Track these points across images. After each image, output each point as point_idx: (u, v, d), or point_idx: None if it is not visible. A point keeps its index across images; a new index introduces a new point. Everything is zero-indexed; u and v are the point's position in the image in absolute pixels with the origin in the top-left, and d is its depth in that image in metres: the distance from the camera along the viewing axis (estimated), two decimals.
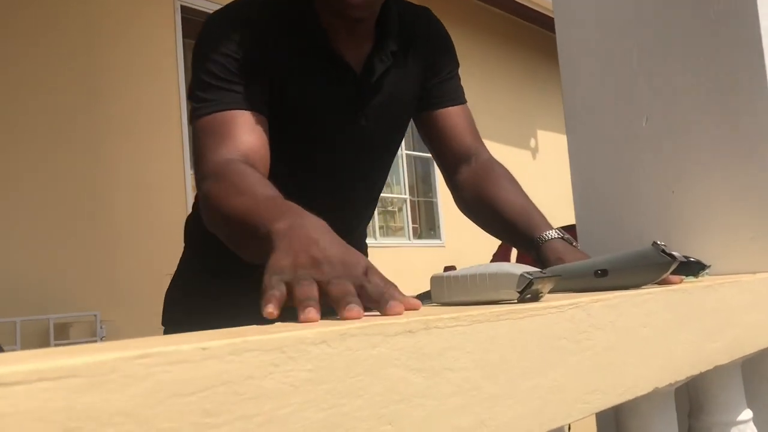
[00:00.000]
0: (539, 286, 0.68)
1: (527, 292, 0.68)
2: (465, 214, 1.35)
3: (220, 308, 1.16)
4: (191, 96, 1.13)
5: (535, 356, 0.61)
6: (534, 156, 7.05)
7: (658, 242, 0.88)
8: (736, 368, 1.16)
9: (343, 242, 0.74)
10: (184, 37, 4.21)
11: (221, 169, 0.99)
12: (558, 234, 1.16)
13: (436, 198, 5.83)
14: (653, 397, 0.92)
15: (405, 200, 5.57)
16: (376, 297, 0.63)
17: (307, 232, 0.73)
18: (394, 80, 1.23)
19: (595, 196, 1.56)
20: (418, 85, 1.27)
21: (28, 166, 3.72)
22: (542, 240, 1.15)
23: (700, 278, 1.09)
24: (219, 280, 1.30)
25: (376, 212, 5.19)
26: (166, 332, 1.31)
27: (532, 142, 7.05)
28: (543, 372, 0.61)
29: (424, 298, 0.78)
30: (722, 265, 1.38)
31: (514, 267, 0.69)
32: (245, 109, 1.07)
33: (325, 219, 0.79)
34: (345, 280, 0.65)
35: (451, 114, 1.30)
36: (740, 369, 1.18)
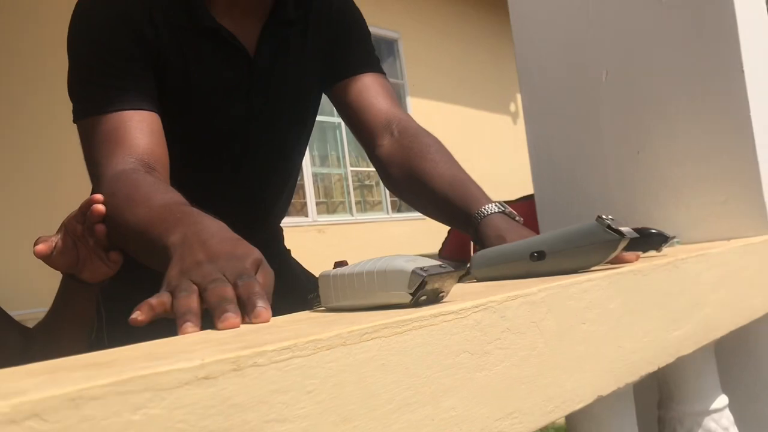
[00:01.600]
0: (437, 285, 0.53)
1: (421, 293, 0.53)
2: (394, 193, 1.19)
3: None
4: (71, 93, 1.02)
5: (421, 382, 0.46)
6: (515, 121, 6.88)
7: (604, 216, 0.74)
8: (708, 351, 1.03)
9: (236, 238, 0.70)
10: None
11: (114, 182, 0.92)
12: (498, 208, 1.00)
13: None
14: (607, 397, 0.78)
15: None
16: (243, 301, 0.56)
17: (199, 237, 0.70)
18: (294, 54, 1.13)
19: (552, 160, 1.41)
20: (321, 60, 1.16)
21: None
22: (480, 216, 0.98)
23: (662, 252, 0.95)
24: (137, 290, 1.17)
25: (351, 187, 5.06)
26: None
27: (512, 107, 6.88)
28: (433, 400, 0.47)
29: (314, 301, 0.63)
30: (693, 233, 1.24)
31: (408, 261, 0.55)
32: (136, 109, 0.97)
33: (232, 213, 0.79)
34: (223, 283, 0.59)
35: (364, 82, 1.17)
36: (713, 351, 1.05)
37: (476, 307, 0.52)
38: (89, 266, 0.95)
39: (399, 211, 5.59)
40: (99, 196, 0.89)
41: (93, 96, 0.99)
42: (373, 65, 1.20)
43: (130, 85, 0.99)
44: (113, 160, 0.94)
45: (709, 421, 1.03)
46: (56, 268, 0.95)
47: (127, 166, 0.93)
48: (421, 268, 0.53)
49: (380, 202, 5.45)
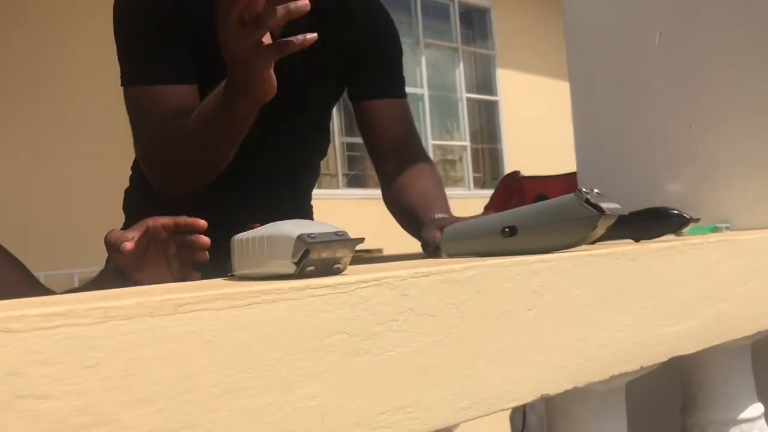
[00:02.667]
0: (325, 254, 0.46)
1: (307, 263, 0.46)
2: (388, 208, 1.26)
3: None
4: (120, 60, 1.09)
5: (267, 364, 0.40)
6: None
7: (585, 189, 0.64)
8: (740, 352, 0.90)
9: None
10: None
11: (159, 133, 1.02)
12: (450, 216, 1.05)
13: (501, 144, 5.49)
14: (588, 397, 0.69)
15: (465, 147, 5.27)
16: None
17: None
18: (318, 39, 1.12)
19: (597, 131, 1.29)
20: (345, 59, 1.21)
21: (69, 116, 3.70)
22: (429, 221, 1.03)
23: (682, 237, 0.84)
24: None
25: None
26: None
27: None
28: (284, 386, 0.40)
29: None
30: (746, 218, 1.09)
31: (301, 226, 0.48)
32: (174, 83, 1.05)
33: (257, 187, 1.02)
34: None
35: (386, 107, 1.24)
36: (748, 352, 0.92)
37: (364, 282, 0.45)
38: (150, 271, 0.91)
39: (483, 187, 5.46)
40: (203, 223, 0.85)
41: (136, 67, 1.07)
42: (399, 90, 1.27)
43: (169, 58, 1.05)
44: (149, 126, 1.04)
45: None
46: (118, 263, 0.91)
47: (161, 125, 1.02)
48: (308, 235, 0.46)
49: (462, 178, 5.34)
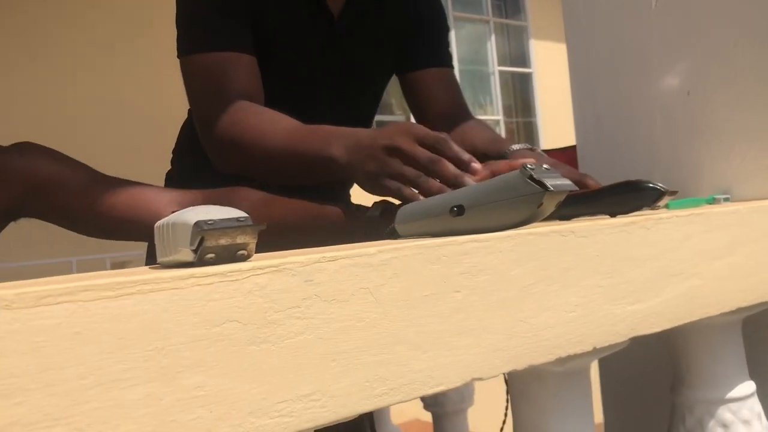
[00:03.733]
0: (224, 241, 0.45)
1: (206, 250, 0.45)
2: None
3: None
4: (181, 26, 1.08)
5: (144, 355, 0.39)
6: None
7: (530, 165, 0.61)
8: (729, 328, 0.87)
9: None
10: None
11: (235, 111, 1.00)
12: (525, 146, 1.07)
13: (535, 118, 5.39)
14: (546, 378, 0.67)
15: (498, 122, 5.20)
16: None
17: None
18: (371, 27, 1.20)
19: (595, 100, 1.25)
20: (396, 41, 1.24)
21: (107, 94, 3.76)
22: (507, 153, 1.05)
23: (658, 210, 0.80)
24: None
25: None
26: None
27: None
28: (165, 377, 0.40)
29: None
30: (746, 188, 1.05)
31: (203, 212, 0.47)
32: (240, 51, 1.05)
33: None
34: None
35: (435, 75, 1.26)
36: (739, 329, 0.89)
37: (260, 268, 0.44)
38: None
39: None
40: None
41: (197, 36, 1.06)
42: (447, 61, 1.28)
43: (230, 28, 1.05)
44: (224, 94, 1.01)
45: (724, 411, 0.87)
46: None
47: (239, 99, 1.00)
48: (205, 221, 0.45)
49: None
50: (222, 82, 1.02)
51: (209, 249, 0.45)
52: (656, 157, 1.15)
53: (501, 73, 5.33)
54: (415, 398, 0.50)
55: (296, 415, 0.44)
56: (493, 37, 5.34)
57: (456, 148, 0.80)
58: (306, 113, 1.07)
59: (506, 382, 0.86)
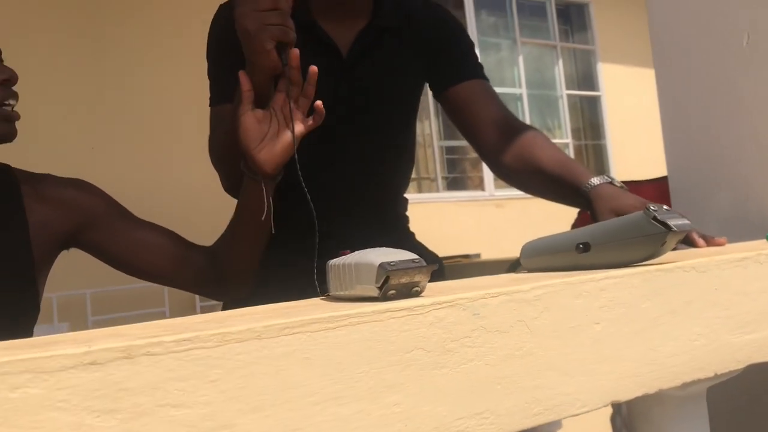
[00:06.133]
0: (404, 280, 0.53)
1: (389, 287, 0.53)
2: (505, 179, 1.29)
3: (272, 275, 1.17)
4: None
5: (355, 377, 0.47)
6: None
7: (653, 207, 0.68)
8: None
9: None
10: None
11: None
12: (605, 179, 1.09)
13: (605, 140, 5.38)
14: (667, 402, 0.72)
15: (567, 144, 5.21)
16: None
17: None
18: (387, 59, 1.22)
19: (688, 136, 1.29)
20: (423, 67, 1.26)
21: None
22: (589, 187, 1.07)
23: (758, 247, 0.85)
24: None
25: None
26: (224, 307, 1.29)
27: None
28: (371, 396, 0.47)
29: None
30: None
31: (383, 255, 0.55)
32: (228, 102, 1.12)
33: (338, 197, 1.14)
34: None
35: (472, 88, 1.27)
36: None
37: (438, 303, 0.51)
38: (269, 142, 0.98)
39: None
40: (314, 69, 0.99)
41: (213, 90, 1.20)
42: (479, 73, 1.29)
43: (228, 85, 1.09)
44: (212, 140, 1.17)
45: None
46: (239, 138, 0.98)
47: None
48: (388, 263, 0.53)
49: None
50: (214, 132, 1.17)
51: (392, 286, 0.53)
52: (749, 190, 1.19)
53: (569, 96, 5.35)
54: (564, 418, 0.57)
55: (470, 430, 0.51)
56: (560, 62, 5.37)
57: None
58: (332, 146, 1.16)
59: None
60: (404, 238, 1.36)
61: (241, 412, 0.43)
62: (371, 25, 1.19)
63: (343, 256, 0.61)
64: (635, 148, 5.38)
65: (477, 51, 3.99)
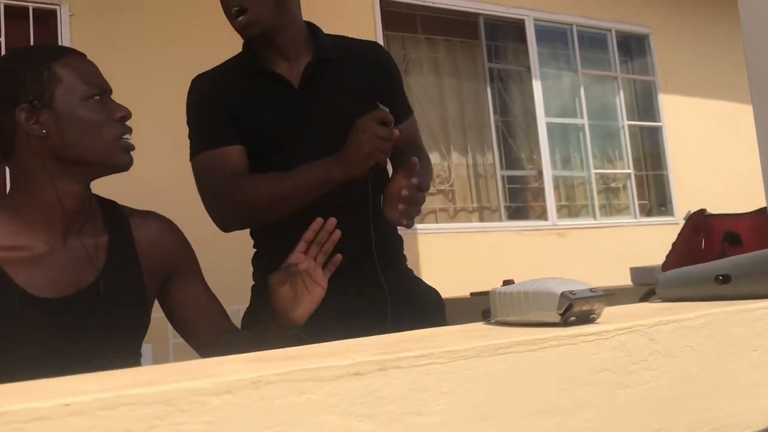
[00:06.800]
0: (585, 307, 0.59)
1: (570, 314, 0.59)
2: None
3: None
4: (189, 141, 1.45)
5: (556, 394, 0.52)
6: None
7: None
8: None
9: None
10: (384, 29, 4.32)
11: (230, 182, 1.36)
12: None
13: (667, 171, 5.35)
14: None
15: (629, 175, 5.20)
16: None
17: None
18: (336, 84, 1.43)
19: None
20: (367, 97, 1.39)
21: None
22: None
23: None
24: None
25: (594, 190, 4.96)
26: None
27: None
28: (568, 411, 0.53)
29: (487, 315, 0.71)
30: None
31: (560, 284, 0.60)
32: (224, 146, 1.38)
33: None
34: None
35: (407, 126, 1.48)
36: None
37: (621, 329, 0.57)
38: (304, 301, 1.13)
39: (649, 215, 5.33)
40: (333, 221, 1.16)
41: (192, 141, 1.42)
42: (410, 109, 1.55)
43: (211, 129, 1.39)
44: (215, 185, 1.36)
45: None
46: (276, 304, 1.13)
47: (227, 183, 1.35)
48: (570, 292, 0.59)
49: (627, 207, 5.25)
50: (213, 175, 1.36)
51: (573, 313, 0.58)
52: None
53: (630, 127, 5.35)
54: None
55: None
56: (621, 92, 5.37)
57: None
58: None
59: None
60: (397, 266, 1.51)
61: (468, 421, 0.48)
62: (315, 58, 1.42)
63: (507, 285, 0.67)
64: (697, 179, 5.33)
65: (538, 82, 4.06)
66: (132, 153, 1.14)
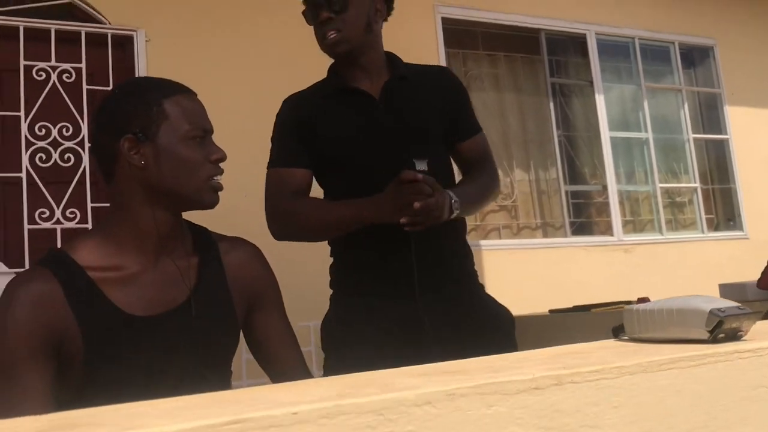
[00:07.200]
0: (734, 325, 0.60)
1: (719, 332, 0.60)
2: None
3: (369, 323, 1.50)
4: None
5: (716, 409, 0.54)
6: None
7: None
8: None
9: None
10: (446, 47, 4.35)
11: (289, 200, 1.55)
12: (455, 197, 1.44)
13: (735, 184, 5.22)
14: None
15: (695, 189, 5.09)
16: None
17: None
18: (411, 99, 1.58)
19: None
20: (441, 113, 1.60)
21: None
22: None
23: None
24: (362, 299, 1.57)
25: (660, 204, 4.89)
26: (327, 357, 1.58)
27: None
28: (727, 427, 0.54)
29: (619, 331, 0.73)
30: None
31: (706, 302, 0.62)
32: (293, 167, 1.57)
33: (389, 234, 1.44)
34: None
35: (476, 141, 1.66)
36: None
37: None
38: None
39: (716, 229, 5.21)
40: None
41: (272, 155, 1.60)
42: (478, 126, 1.68)
43: (287, 149, 1.57)
44: (278, 196, 1.54)
45: None
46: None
47: (288, 198, 1.54)
48: (719, 309, 0.60)
49: (694, 221, 5.14)
50: (279, 188, 1.55)
51: (723, 330, 0.60)
52: None
53: (695, 140, 5.25)
54: None
55: None
56: (686, 105, 5.28)
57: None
58: (379, 180, 1.43)
59: None
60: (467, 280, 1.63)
61: None
62: (393, 76, 1.58)
63: (643, 303, 0.68)
64: (767, 192, 5.20)
65: (601, 96, 4.04)
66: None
